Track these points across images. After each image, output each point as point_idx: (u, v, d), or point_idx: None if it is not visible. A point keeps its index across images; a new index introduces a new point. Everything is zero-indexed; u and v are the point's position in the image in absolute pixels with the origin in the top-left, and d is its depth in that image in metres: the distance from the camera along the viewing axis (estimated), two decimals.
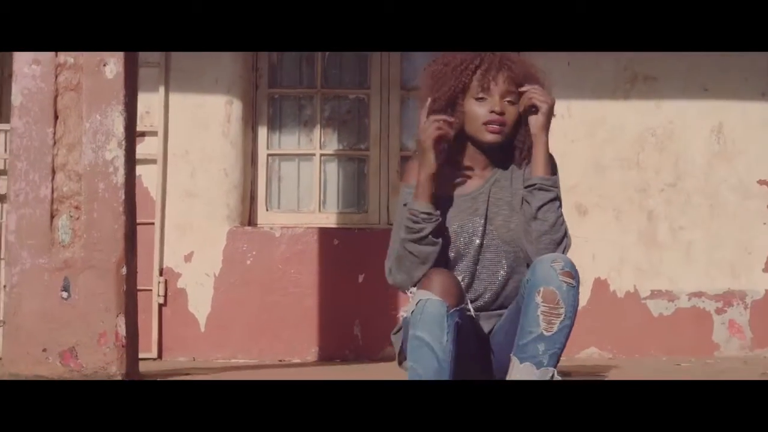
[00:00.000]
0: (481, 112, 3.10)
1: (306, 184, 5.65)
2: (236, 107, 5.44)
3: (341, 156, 5.66)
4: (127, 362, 3.51)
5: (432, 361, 2.79)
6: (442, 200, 3.09)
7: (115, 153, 3.53)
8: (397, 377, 3.12)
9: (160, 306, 5.31)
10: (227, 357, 5.28)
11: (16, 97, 3.61)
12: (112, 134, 3.54)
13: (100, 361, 3.48)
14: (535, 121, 3.09)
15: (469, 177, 3.19)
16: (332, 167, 5.66)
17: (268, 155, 5.61)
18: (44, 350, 3.52)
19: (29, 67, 3.58)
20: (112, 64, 3.53)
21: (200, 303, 5.35)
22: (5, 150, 4.79)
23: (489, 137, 3.11)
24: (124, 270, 3.52)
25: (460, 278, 3.11)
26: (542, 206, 3.00)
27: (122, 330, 3.49)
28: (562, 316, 2.79)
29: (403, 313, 2.95)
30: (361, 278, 5.34)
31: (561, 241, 2.99)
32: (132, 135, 3.61)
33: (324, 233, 5.39)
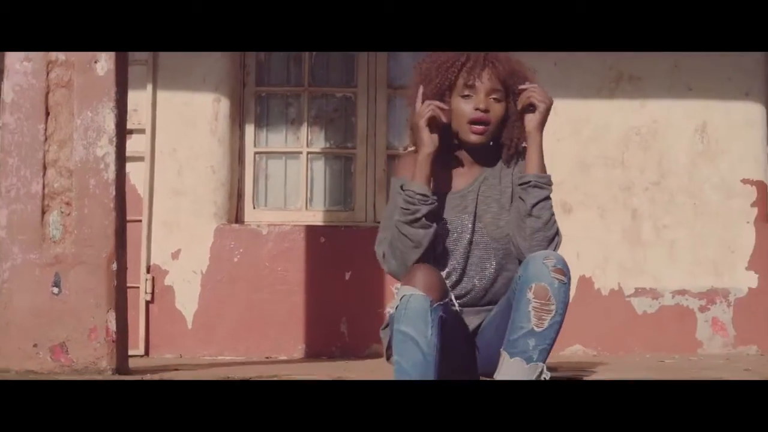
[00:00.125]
0: (466, 109, 3.14)
1: (293, 182, 5.68)
2: (224, 105, 5.46)
3: (328, 154, 5.68)
4: (117, 357, 3.53)
5: (417, 355, 2.82)
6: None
7: (106, 149, 3.54)
8: (384, 373, 3.16)
9: (147, 303, 5.33)
10: (214, 354, 5.29)
11: (8, 94, 3.63)
12: (103, 131, 3.55)
13: (90, 356, 3.50)
14: (531, 119, 3.12)
15: (458, 175, 3.23)
16: (319, 165, 5.68)
17: (256, 153, 5.63)
18: (35, 345, 3.53)
19: (21, 63, 3.60)
20: (103, 61, 3.55)
21: (187, 300, 5.36)
22: None
23: (473, 138, 3.15)
24: (114, 266, 3.53)
25: (450, 275, 3.15)
26: (537, 203, 3.04)
27: (112, 325, 3.51)
28: (553, 312, 2.83)
29: (389, 309, 2.98)
30: (347, 276, 5.37)
31: (553, 238, 3.04)
32: (122, 132, 3.63)
33: (311, 231, 5.41)
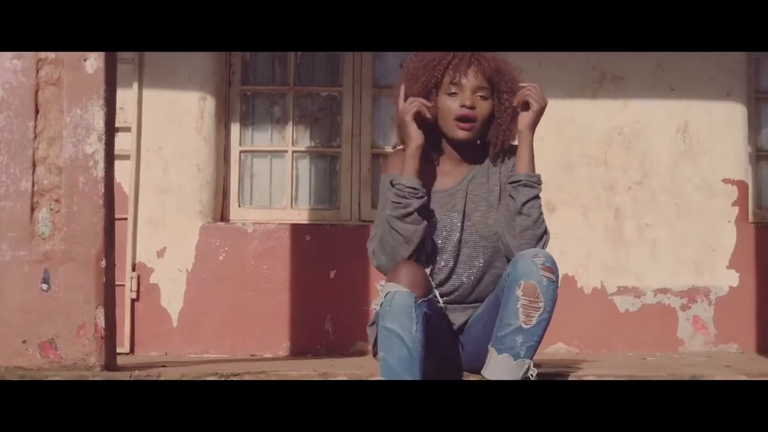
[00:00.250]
0: (452, 106, 3.18)
1: (278, 180, 5.69)
2: (209, 104, 5.47)
3: (313, 153, 5.70)
4: (106, 354, 3.54)
5: (402, 351, 2.86)
6: None
7: (95, 147, 3.56)
8: (371, 370, 3.19)
9: (133, 301, 5.34)
10: (199, 352, 5.30)
11: None
12: (92, 128, 3.56)
13: (79, 353, 3.51)
14: (524, 118, 3.17)
15: (446, 174, 3.27)
16: (304, 164, 5.70)
17: (241, 152, 5.64)
18: (24, 342, 3.54)
19: (10, 61, 3.60)
20: (93, 59, 3.56)
21: (173, 298, 5.38)
22: None
23: (460, 134, 3.19)
24: (103, 262, 3.55)
25: (439, 272, 3.19)
26: (527, 202, 3.09)
27: (101, 322, 3.52)
28: (541, 309, 2.87)
29: (374, 306, 3.01)
30: (332, 274, 5.39)
31: (542, 236, 3.09)
32: (111, 129, 3.64)
33: (296, 229, 5.43)
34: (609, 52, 5.30)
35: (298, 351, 5.34)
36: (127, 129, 5.32)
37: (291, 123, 5.68)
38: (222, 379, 3.25)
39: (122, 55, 5.17)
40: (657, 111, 5.55)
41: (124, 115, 5.33)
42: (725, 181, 5.55)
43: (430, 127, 3.23)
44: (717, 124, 5.55)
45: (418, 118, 3.16)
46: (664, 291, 5.48)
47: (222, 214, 5.56)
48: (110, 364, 3.57)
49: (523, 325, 2.87)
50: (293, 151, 5.67)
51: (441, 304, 3.17)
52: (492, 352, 2.90)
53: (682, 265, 5.50)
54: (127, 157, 5.28)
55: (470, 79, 3.18)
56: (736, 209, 5.53)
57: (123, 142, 5.29)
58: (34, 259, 3.56)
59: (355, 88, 5.64)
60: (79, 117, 3.56)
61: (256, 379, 3.25)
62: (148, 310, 5.34)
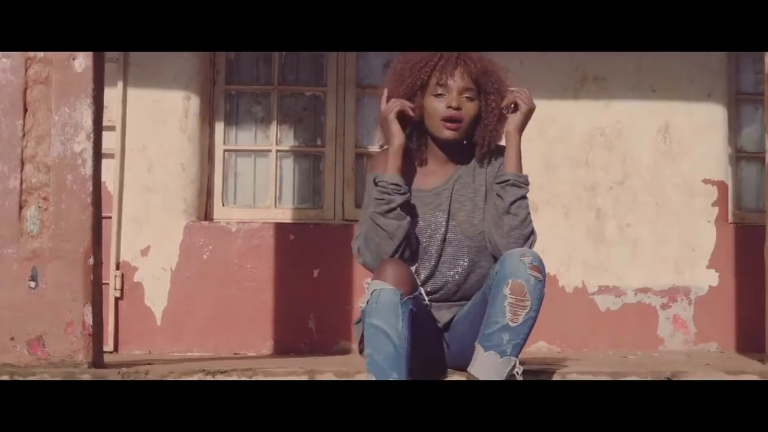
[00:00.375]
0: (439, 107, 3.22)
1: (262, 179, 5.71)
2: (194, 103, 5.48)
3: (297, 152, 5.72)
4: (94, 351, 3.55)
5: (389, 348, 2.89)
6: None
7: (84, 145, 3.57)
8: (356, 368, 3.21)
9: (117, 299, 5.34)
10: (183, 350, 5.31)
11: None
12: (80, 127, 3.58)
13: (66, 350, 3.52)
14: (512, 119, 3.21)
15: (432, 173, 3.30)
16: (288, 163, 5.72)
17: (225, 151, 5.66)
18: (12, 339, 3.55)
19: None
20: (82, 58, 3.57)
21: (157, 297, 5.39)
22: None
23: (446, 134, 3.22)
24: (91, 260, 3.56)
25: (423, 271, 3.23)
26: (515, 202, 3.13)
27: (89, 319, 3.53)
28: (528, 308, 2.91)
29: (360, 304, 3.04)
30: (316, 273, 5.42)
31: (529, 236, 3.14)
32: (99, 128, 3.65)
33: (280, 228, 5.45)
34: (591, 53, 5.35)
35: (282, 349, 5.36)
36: (112, 128, 5.32)
37: (275, 122, 5.70)
38: (209, 377, 3.27)
39: (107, 54, 5.16)
40: (638, 112, 5.60)
41: (109, 114, 5.32)
42: (705, 181, 5.60)
43: (417, 127, 3.27)
44: (698, 125, 5.61)
45: (401, 117, 3.20)
46: (644, 290, 5.53)
47: (206, 213, 5.58)
48: (98, 361, 3.58)
49: (510, 323, 2.91)
50: (277, 151, 5.69)
51: (426, 302, 3.21)
52: (479, 349, 2.94)
53: (663, 265, 5.55)
54: (111, 156, 5.28)
55: (457, 81, 3.22)
56: (716, 209, 5.59)
57: (107, 141, 5.23)
58: (23, 257, 3.57)
59: (339, 88, 5.67)
60: (68, 116, 3.57)
61: (244, 376, 3.27)
62: (132, 309, 5.35)
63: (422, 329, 3.10)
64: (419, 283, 3.19)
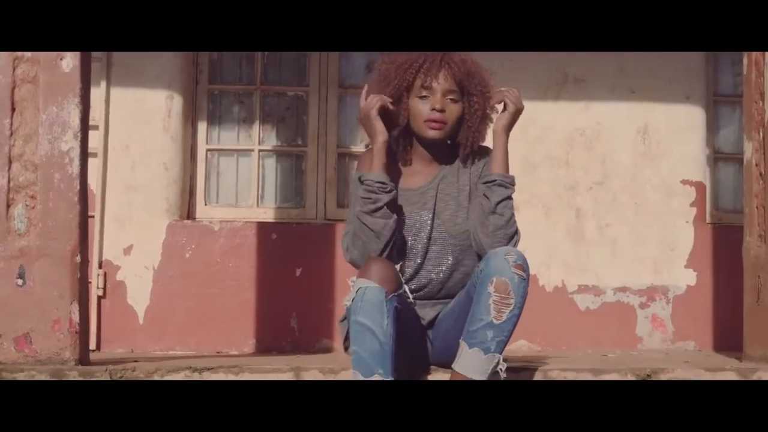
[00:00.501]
0: (423, 109, 3.26)
1: (244, 179, 5.73)
2: (177, 102, 5.50)
3: (279, 152, 5.75)
4: (80, 348, 3.57)
5: (374, 344, 2.93)
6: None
7: (71, 144, 3.59)
8: (341, 365, 3.24)
9: (99, 298, 5.35)
10: (165, 349, 5.33)
11: None
12: (68, 126, 3.59)
13: (54, 347, 3.53)
14: (500, 119, 3.26)
15: (417, 173, 3.35)
16: (270, 163, 5.74)
17: (208, 150, 5.67)
18: None
19: None
20: (69, 58, 3.58)
21: (139, 295, 5.40)
22: None
23: (431, 133, 3.27)
24: (78, 258, 3.58)
25: (408, 269, 3.27)
26: (500, 202, 3.18)
27: (76, 317, 3.55)
28: (512, 305, 2.96)
29: (345, 301, 3.08)
30: (298, 272, 5.44)
31: (513, 235, 3.19)
32: (86, 127, 3.67)
33: (262, 227, 5.48)
34: (571, 55, 5.39)
35: (264, 348, 5.38)
36: (95, 127, 5.32)
37: (257, 122, 5.72)
38: (196, 374, 3.29)
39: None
40: (618, 113, 5.65)
41: (92, 113, 5.24)
42: (684, 182, 5.66)
43: (402, 127, 3.31)
44: (676, 127, 5.66)
45: (383, 113, 3.24)
46: (623, 289, 5.58)
47: (188, 212, 5.60)
48: (84, 358, 3.60)
49: (494, 321, 2.95)
50: (259, 150, 5.71)
51: (411, 300, 3.25)
52: (463, 346, 2.98)
53: (641, 264, 5.61)
54: (94, 155, 5.29)
55: (441, 83, 3.26)
56: (694, 210, 5.65)
57: (90, 140, 5.23)
58: (10, 255, 3.58)
59: (322, 88, 5.69)
60: (55, 115, 3.58)
61: (231, 373, 3.30)
62: (115, 307, 5.36)
63: (406, 326, 3.14)
64: (404, 281, 3.23)
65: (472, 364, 2.97)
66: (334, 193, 5.64)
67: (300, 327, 5.43)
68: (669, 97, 5.65)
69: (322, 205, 5.65)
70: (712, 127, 5.78)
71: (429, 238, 3.28)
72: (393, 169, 3.31)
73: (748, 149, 4.12)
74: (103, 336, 5.34)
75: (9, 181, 3.56)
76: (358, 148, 5.67)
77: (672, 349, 5.51)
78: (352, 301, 2.99)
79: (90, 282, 5.18)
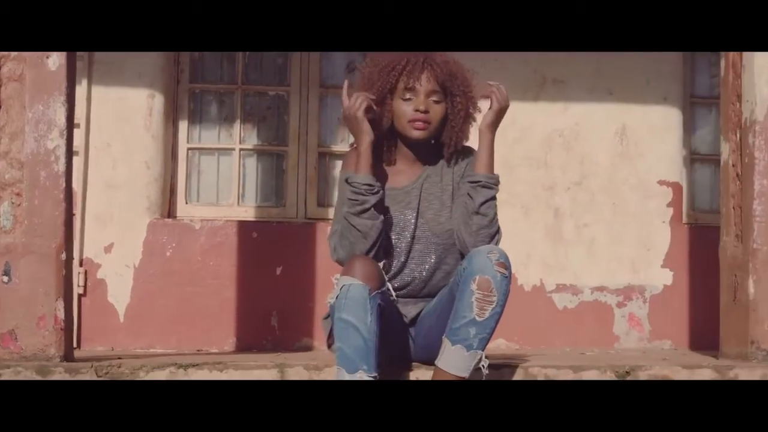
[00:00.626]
0: (407, 110, 3.30)
1: (225, 177, 5.75)
2: (158, 101, 5.51)
3: (260, 151, 5.77)
4: (65, 345, 3.59)
5: (358, 341, 2.96)
6: None
7: (57, 142, 3.60)
8: (325, 363, 3.27)
9: (80, 296, 5.35)
10: (145, 347, 5.34)
11: None
12: (54, 124, 3.60)
13: (39, 344, 3.54)
14: (485, 117, 3.30)
15: (401, 173, 3.39)
16: (251, 162, 5.76)
17: (189, 149, 5.69)
18: None
19: None
20: (55, 56, 3.59)
21: (119, 293, 5.41)
22: None
23: (415, 134, 3.31)
24: (63, 255, 3.59)
25: (392, 267, 3.31)
26: (485, 203, 3.23)
27: (61, 314, 3.56)
28: (494, 303, 2.99)
29: (329, 299, 3.11)
30: (278, 270, 5.47)
31: (494, 235, 3.24)
32: (71, 125, 3.67)
33: (243, 226, 5.50)
34: (550, 56, 5.44)
35: (244, 346, 5.41)
36: (76, 125, 5.26)
37: (239, 121, 5.74)
38: (180, 373, 3.31)
39: None
40: (596, 114, 5.70)
41: None
42: (661, 182, 5.72)
43: (387, 128, 3.34)
44: (653, 128, 5.72)
45: (369, 112, 3.27)
46: (601, 289, 5.64)
47: (169, 210, 5.61)
48: (69, 355, 3.61)
49: (477, 318, 2.98)
50: (240, 149, 5.73)
51: (394, 297, 3.29)
52: (446, 343, 3.02)
53: (619, 264, 5.67)
54: (75, 153, 5.23)
55: (423, 84, 3.30)
56: (671, 210, 5.72)
57: None
58: None
59: (303, 87, 5.72)
60: (41, 113, 3.59)
61: (216, 369, 3.32)
62: (95, 305, 5.37)
63: (389, 323, 3.17)
64: (387, 279, 3.26)
65: (454, 360, 3.00)
66: (314, 193, 5.67)
67: (280, 325, 5.45)
68: (646, 99, 5.71)
69: (302, 204, 5.67)
70: (689, 128, 5.85)
71: (413, 237, 3.32)
72: (378, 169, 3.34)
73: (725, 150, 4.18)
74: (84, 334, 5.34)
75: None
76: (339, 147, 5.70)
77: (649, 347, 5.57)
78: (336, 298, 3.02)
79: None
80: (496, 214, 3.26)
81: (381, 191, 3.23)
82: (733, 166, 4.12)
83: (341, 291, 3.01)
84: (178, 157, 5.66)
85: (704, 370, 3.54)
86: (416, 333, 3.37)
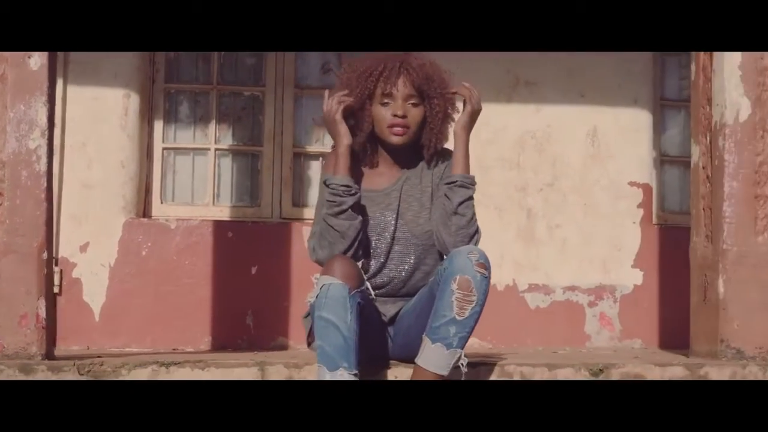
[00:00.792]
0: (386, 115, 3.36)
1: (200, 177, 5.77)
2: (133, 101, 5.52)
3: (235, 151, 5.79)
4: (47, 344, 3.61)
5: (339, 339, 3.00)
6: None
7: (38, 142, 3.62)
8: (305, 361, 3.31)
9: (55, 295, 5.32)
10: (121, 346, 5.35)
11: None
12: (35, 124, 3.62)
13: (21, 342, 3.56)
14: (459, 120, 3.36)
15: (382, 174, 3.45)
16: (226, 162, 5.79)
17: (164, 149, 5.71)
18: None
19: None
20: (37, 56, 3.61)
21: (95, 293, 5.42)
22: None
23: (394, 139, 3.37)
24: (45, 254, 3.61)
25: (372, 267, 3.36)
26: (462, 203, 3.28)
27: (42, 312, 3.58)
28: (474, 302, 3.05)
29: (309, 298, 3.15)
30: (254, 270, 5.50)
31: (473, 235, 3.30)
32: (52, 125, 3.69)
33: (218, 226, 5.52)
34: (523, 58, 5.50)
35: (219, 345, 5.43)
36: None
37: (214, 121, 5.77)
38: (162, 372, 3.34)
39: None
40: (568, 116, 5.77)
41: None
42: (631, 184, 5.79)
43: (368, 133, 3.39)
44: (624, 130, 5.80)
45: (347, 113, 3.32)
46: (572, 288, 5.71)
47: (145, 210, 5.62)
48: (50, 353, 3.63)
49: (457, 317, 3.04)
50: (216, 149, 5.76)
51: (373, 296, 3.34)
52: (426, 341, 3.07)
53: (590, 264, 5.74)
54: None
55: (400, 89, 3.36)
56: (641, 211, 5.79)
57: None
58: None
59: (278, 88, 5.75)
60: (23, 113, 3.61)
61: (197, 368, 3.35)
62: (71, 305, 5.37)
63: (368, 322, 3.22)
64: (367, 278, 3.31)
65: (434, 358, 3.05)
66: (289, 192, 5.70)
67: (255, 324, 5.48)
68: (617, 101, 5.79)
69: (277, 204, 5.70)
70: (659, 130, 5.92)
71: (392, 238, 3.37)
72: (357, 170, 3.40)
73: (696, 153, 4.24)
74: (59, 333, 5.31)
75: None
76: (314, 147, 5.74)
77: (619, 346, 5.64)
78: (317, 297, 3.06)
79: None
80: (474, 214, 3.31)
81: (358, 192, 3.28)
82: (704, 168, 4.19)
83: (321, 290, 3.05)
84: (153, 156, 5.68)
85: (676, 368, 3.61)
86: (395, 332, 3.42)
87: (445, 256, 3.27)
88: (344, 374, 2.95)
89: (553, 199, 5.74)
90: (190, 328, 5.43)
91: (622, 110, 5.80)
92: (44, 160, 3.61)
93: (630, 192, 5.79)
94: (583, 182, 5.76)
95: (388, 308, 3.41)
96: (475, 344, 5.53)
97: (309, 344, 3.39)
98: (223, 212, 5.70)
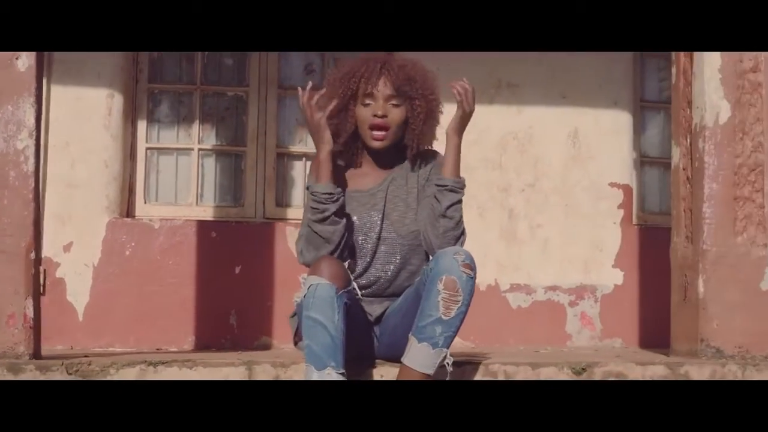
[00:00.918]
0: (367, 115, 3.39)
1: (184, 177, 5.78)
2: (117, 101, 5.53)
3: (219, 151, 5.81)
4: (34, 343, 3.62)
5: (326, 339, 3.04)
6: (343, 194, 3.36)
7: (26, 143, 3.63)
8: (291, 358, 3.34)
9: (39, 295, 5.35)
10: (104, 346, 5.36)
11: None
12: (23, 125, 3.63)
13: (8, 342, 3.58)
14: (450, 122, 3.39)
15: (367, 175, 3.48)
16: (210, 162, 5.80)
17: (147, 149, 5.72)
18: None
19: None
20: (24, 57, 3.63)
21: (79, 292, 5.42)
22: None
23: (375, 144, 3.41)
24: (32, 254, 3.63)
25: (358, 267, 3.40)
26: (451, 206, 3.32)
27: (30, 312, 3.60)
28: (460, 302, 3.09)
29: (296, 298, 3.19)
30: (237, 270, 5.51)
31: (459, 236, 3.34)
32: (40, 125, 3.71)
33: (202, 226, 5.54)
34: (505, 60, 5.55)
35: (203, 345, 5.45)
36: None
37: (197, 121, 5.78)
38: (150, 371, 3.36)
39: None
40: (549, 117, 5.81)
41: None
42: (612, 185, 5.84)
43: (352, 133, 3.42)
44: (605, 131, 5.85)
45: (333, 115, 3.35)
46: (553, 288, 5.75)
47: (128, 209, 5.63)
48: (37, 353, 3.65)
49: (443, 317, 3.07)
50: (199, 149, 5.77)
51: (359, 296, 3.38)
52: (412, 340, 3.10)
53: (571, 264, 5.78)
54: None
55: (381, 89, 3.39)
56: (622, 212, 5.84)
57: None
58: None
59: (261, 88, 5.77)
60: (11, 113, 3.62)
61: (185, 367, 3.37)
62: (54, 305, 5.36)
63: (354, 322, 3.25)
64: (353, 278, 3.35)
65: (421, 357, 3.09)
66: (272, 192, 5.72)
67: (239, 324, 5.50)
68: (598, 103, 5.84)
69: (261, 204, 5.72)
70: (639, 131, 5.98)
71: (378, 238, 3.41)
72: (342, 171, 3.43)
73: (676, 154, 4.29)
74: (43, 333, 5.25)
75: None
76: (297, 148, 5.77)
77: (600, 345, 5.69)
78: (304, 297, 3.10)
79: None
80: (461, 216, 3.35)
81: (342, 198, 3.31)
82: (684, 170, 4.23)
83: (309, 290, 3.09)
84: (136, 156, 5.69)
85: (657, 367, 3.66)
86: (381, 331, 3.45)
87: (431, 257, 3.31)
88: (332, 373, 2.99)
89: (535, 200, 5.78)
90: (173, 328, 5.44)
91: (602, 112, 5.85)
92: (32, 160, 3.63)
93: (611, 193, 5.84)
94: (564, 183, 5.80)
95: (374, 308, 3.44)
96: (457, 344, 5.49)
97: (296, 343, 3.43)
98: (206, 212, 5.71)
